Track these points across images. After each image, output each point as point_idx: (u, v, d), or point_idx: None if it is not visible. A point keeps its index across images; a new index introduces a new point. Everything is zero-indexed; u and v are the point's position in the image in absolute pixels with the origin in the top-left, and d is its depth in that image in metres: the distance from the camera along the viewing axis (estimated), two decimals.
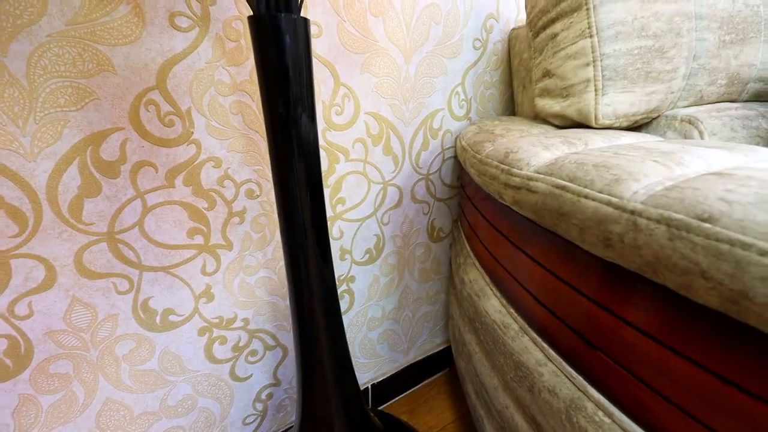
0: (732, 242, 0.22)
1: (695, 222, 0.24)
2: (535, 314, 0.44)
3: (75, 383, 0.54)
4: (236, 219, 0.60)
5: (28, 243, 0.47)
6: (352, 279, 0.76)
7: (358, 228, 0.73)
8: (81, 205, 0.49)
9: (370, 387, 0.87)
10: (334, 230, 0.71)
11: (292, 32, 0.38)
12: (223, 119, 0.55)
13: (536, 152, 0.43)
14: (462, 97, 0.78)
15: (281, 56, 0.39)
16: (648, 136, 0.49)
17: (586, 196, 0.32)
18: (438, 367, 0.99)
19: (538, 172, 0.40)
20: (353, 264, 0.75)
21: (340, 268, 0.74)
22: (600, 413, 0.34)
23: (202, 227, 0.57)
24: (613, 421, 0.32)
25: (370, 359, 0.86)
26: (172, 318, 0.58)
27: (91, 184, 0.49)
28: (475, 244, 0.64)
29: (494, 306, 0.53)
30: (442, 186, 0.82)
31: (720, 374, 0.25)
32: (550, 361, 0.41)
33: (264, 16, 0.38)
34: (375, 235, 0.76)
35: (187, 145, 0.53)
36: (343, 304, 0.77)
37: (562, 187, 0.35)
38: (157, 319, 0.57)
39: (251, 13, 0.50)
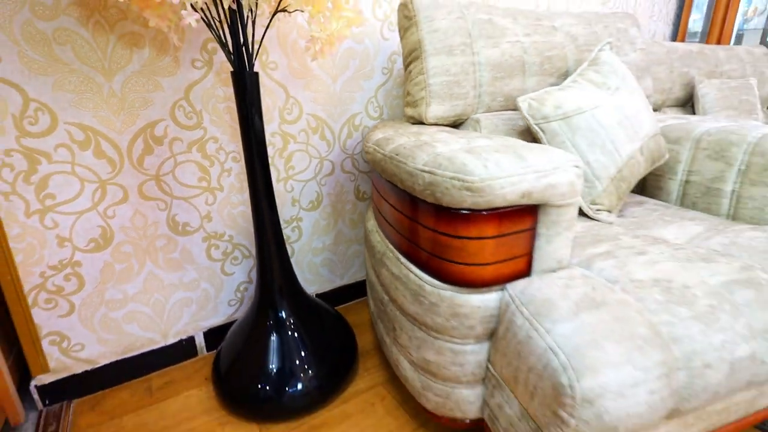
0: (429, 172, 0.65)
1: (435, 169, 0.67)
2: (387, 232, 0.87)
3: (133, 259, 0.97)
4: (226, 174, 1.04)
5: (116, 177, 0.91)
6: (301, 219, 1.19)
7: (304, 186, 1.17)
8: (143, 159, 0.93)
9: (314, 296, 1.30)
10: (288, 186, 1.14)
11: (250, 80, 0.82)
12: (219, 116, 0.99)
13: (394, 138, 0.87)
14: (376, 104, 1.22)
15: (244, 90, 0.82)
16: (450, 129, 0.92)
17: (405, 164, 0.75)
18: (365, 292, 1.42)
19: (392, 152, 0.83)
20: (301, 209, 1.18)
21: (291, 211, 1.17)
22: (390, 255, 0.77)
23: (206, 176, 1.01)
24: (395, 256, 0.76)
25: (315, 277, 1.29)
26: (188, 228, 1.02)
27: (148, 148, 0.93)
28: (374, 201, 1.07)
29: (377, 238, 0.96)
30: (363, 163, 1.25)
31: (420, 222, 0.68)
32: (389, 250, 0.84)
33: (237, 72, 0.81)
34: (315, 192, 1.19)
35: (199, 129, 0.97)
36: (294, 235, 1.20)
37: (391, 158, 0.78)
38: (179, 228, 1.01)
39: (232, 70, 0.94)
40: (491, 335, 0.66)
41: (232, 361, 0.94)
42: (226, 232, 1.08)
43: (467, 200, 0.57)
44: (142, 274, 1.00)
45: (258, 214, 0.90)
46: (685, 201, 1.04)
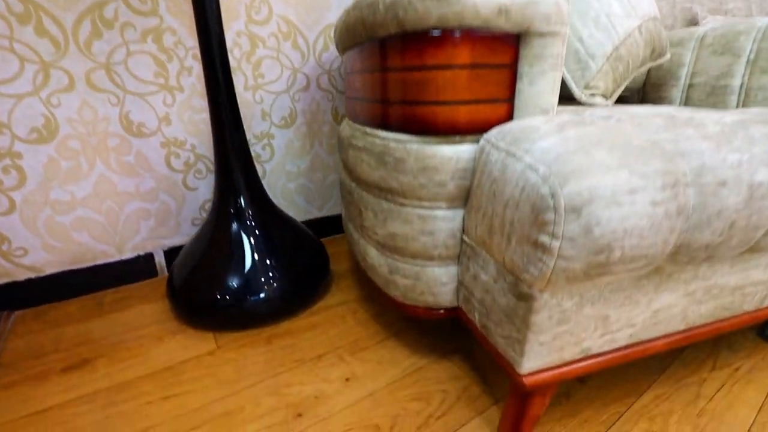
0: None
1: None
2: (356, 112, 0.78)
3: (81, 157, 0.88)
4: (186, 72, 0.94)
5: (60, 60, 0.82)
6: (272, 136, 1.10)
7: (275, 99, 1.08)
8: (90, 44, 0.84)
9: None
10: (257, 96, 1.05)
11: None
12: (178, 5, 0.90)
13: None
14: None
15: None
16: None
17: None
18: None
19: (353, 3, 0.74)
20: (272, 125, 1.09)
21: (262, 125, 1.08)
22: (357, 133, 0.67)
23: (163, 73, 0.92)
24: (362, 132, 0.66)
25: (290, 204, 1.20)
26: (143, 130, 0.93)
27: (97, 31, 0.84)
28: (346, 98, 0.98)
29: (346, 130, 0.86)
30: (341, 82, 1.16)
31: (388, 66, 0.59)
32: (356, 131, 0.75)
33: None
34: (288, 107, 1.10)
35: (154, 17, 0.88)
36: (266, 154, 1.11)
37: (353, 7, 0.69)
38: (134, 128, 0.92)
39: None
40: (465, 200, 0.57)
41: (189, 271, 0.85)
42: (188, 140, 0.99)
43: (433, 14, 0.48)
44: (92, 175, 0.91)
45: (218, 129, 0.81)
46: (688, 105, 0.95)
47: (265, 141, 1.10)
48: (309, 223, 1.25)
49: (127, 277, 1.00)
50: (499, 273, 0.50)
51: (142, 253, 1.00)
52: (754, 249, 0.52)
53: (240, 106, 1.04)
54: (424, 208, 0.58)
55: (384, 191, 0.62)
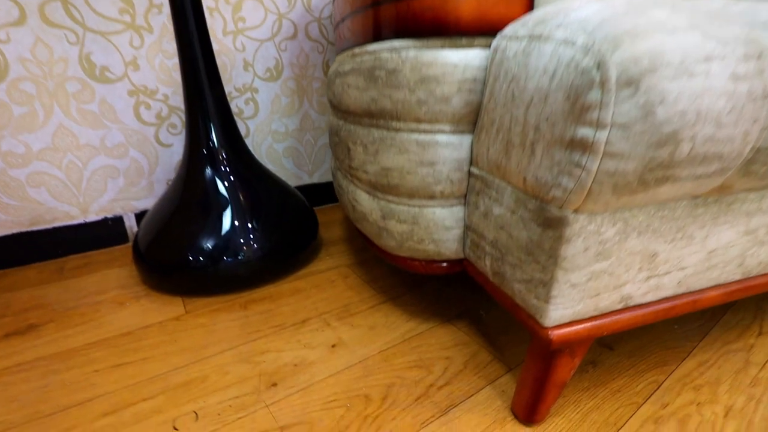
0: None
1: None
2: (345, 33, 0.67)
3: (37, 103, 0.78)
4: (156, 10, 0.84)
5: None
6: (256, 90, 1.00)
7: (259, 47, 0.97)
8: None
9: None
10: (237, 42, 0.94)
11: None
12: None
13: None
14: None
15: None
16: None
17: None
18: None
19: None
20: (256, 77, 0.99)
21: (244, 77, 0.97)
22: (346, 57, 0.57)
23: (129, 9, 0.81)
24: (350, 52, 0.55)
25: (277, 168, 1.09)
26: (108, 75, 0.83)
27: None
28: (336, 39, 0.87)
29: (333, 66, 0.76)
30: (333, 33, 1.05)
31: None
32: (345, 55, 0.64)
33: None
34: (274, 57, 1.00)
35: None
36: (249, 110, 1.01)
37: None
38: (96, 71, 0.81)
39: None
40: (474, 124, 0.47)
41: (158, 230, 0.75)
42: (160, 89, 0.89)
43: None
44: (49, 125, 0.80)
45: (186, 54, 0.70)
46: None
47: (248, 95, 1.00)
48: (299, 189, 1.14)
49: (94, 241, 0.90)
50: (518, 201, 0.40)
51: (110, 215, 0.90)
52: None
53: (219, 53, 0.93)
54: (423, 133, 0.48)
55: (375, 117, 0.51)
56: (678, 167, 0.30)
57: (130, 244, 0.93)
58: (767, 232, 0.45)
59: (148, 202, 0.94)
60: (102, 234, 0.90)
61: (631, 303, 0.42)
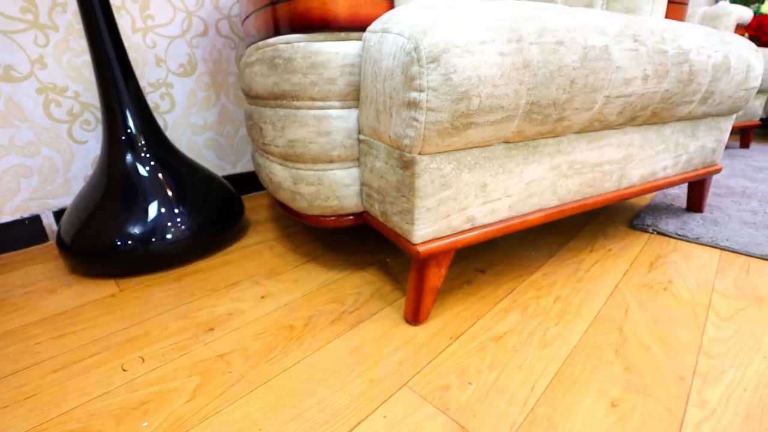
0: None
1: None
2: (251, 30, 0.76)
3: None
4: (60, 9, 0.86)
5: None
6: (171, 85, 1.04)
7: (170, 44, 1.02)
8: None
9: None
10: (148, 39, 0.98)
11: None
12: None
13: None
14: None
15: None
16: None
17: None
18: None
19: None
20: (170, 73, 1.03)
21: (157, 72, 1.02)
22: (252, 50, 0.66)
23: (31, 8, 0.83)
24: (254, 47, 0.65)
25: (199, 160, 1.15)
26: (13, 73, 0.83)
27: None
28: (243, 27, 0.95)
29: (243, 58, 0.84)
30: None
31: None
32: (252, 49, 0.72)
33: None
34: (186, 54, 1.05)
35: None
36: (165, 104, 1.05)
37: None
38: (0, 70, 0.82)
39: None
40: (358, 100, 0.59)
41: (82, 221, 0.78)
42: (70, 86, 0.90)
43: None
44: None
45: (98, 52, 0.74)
46: None
47: (163, 90, 1.04)
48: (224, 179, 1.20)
49: (12, 242, 0.89)
50: (389, 154, 0.53)
51: (26, 215, 0.90)
52: (602, 122, 0.60)
53: (129, 50, 0.96)
54: (318, 109, 0.59)
55: (279, 98, 0.62)
56: (475, 116, 0.45)
57: (50, 242, 0.94)
58: (569, 167, 0.63)
59: (67, 200, 0.95)
60: (19, 234, 0.90)
61: (477, 224, 0.57)
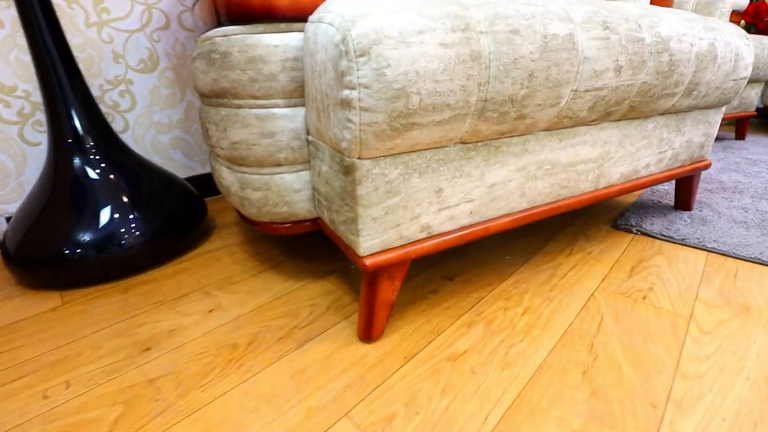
0: None
1: None
2: (199, 23, 0.70)
3: None
4: (4, 3, 0.80)
5: None
6: (131, 82, 0.99)
7: (128, 38, 0.96)
8: None
9: None
10: (103, 34, 0.93)
11: None
12: None
13: None
14: None
15: None
16: None
17: None
18: None
19: None
20: (129, 69, 0.98)
21: (115, 69, 0.96)
22: (198, 51, 0.60)
23: None
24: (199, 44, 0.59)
25: (166, 160, 1.09)
26: None
27: None
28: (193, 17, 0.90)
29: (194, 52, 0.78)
30: None
31: None
32: (197, 44, 0.67)
33: None
34: (147, 48, 0.99)
35: None
36: (125, 102, 1.00)
37: None
38: None
39: None
40: (303, 95, 0.54)
41: (27, 229, 0.73)
42: (19, 85, 0.85)
43: None
44: None
45: (36, 49, 0.68)
46: None
47: (123, 87, 0.98)
48: (192, 180, 1.15)
49: None
50: (332, 158, 0.48)
51: None
52: (572, 119, 0.55)
53: (83, 46, 0.91)
54: (260, 108, 0.54)
55: (219, 96, 0.57)
56: (416, 115, 0.40)
57: None
58: (538, 168, 0.58)
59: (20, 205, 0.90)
60: None
61: (434, 232, 0.52)
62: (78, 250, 0.71)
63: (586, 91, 0.51)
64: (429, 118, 0.40)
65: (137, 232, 0.77)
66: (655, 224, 0.86)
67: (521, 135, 0.54)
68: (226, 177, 0.64)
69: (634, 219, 0.89)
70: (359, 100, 0.38)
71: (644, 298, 0.62)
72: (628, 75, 0.55)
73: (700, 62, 0.65)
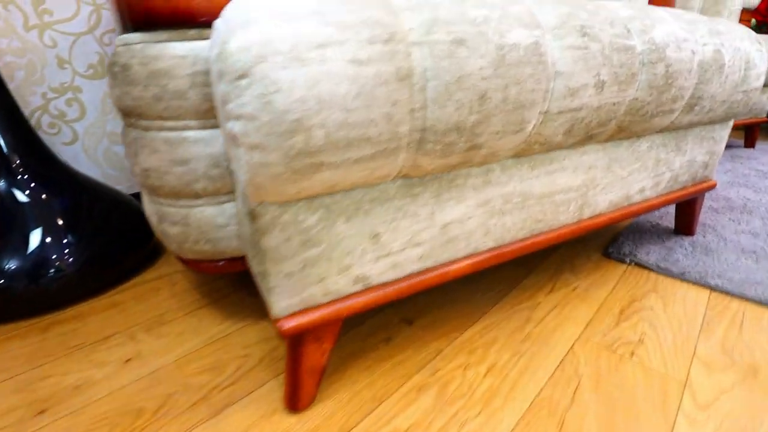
0: None
1: None
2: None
3: None
4: None
5: None
6: (79, 89, 0.91)
7: (75, 42, 0.88)
8: None
9: None
10: (46, 38, 0.85)
11: None
12: None
13: None
14: None
15: None
16: None
17: None
18: None
19: None
20: (76, 75, 0.90)
21: (60, 75, 0.88)
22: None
23: None
24: None
25: (120, 172, 1.01)
26: None
27: None
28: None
29: None
30: None
31: None
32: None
33: None
34: (96, 53, 0.91)
35: None
36: (73, 112, 0.91)
37: None
38: None
39: None
40: None
41: None
42: None
43: None
44: None
45: None
46: None
47: (70, 95, 0.90)
48: None
49: None
50: (243, 197, 0.40)
51: None
52: (544, 145, 0.46)
53: (23, 50, 0.83)
54: (169, 130, 0.45)
55: (126, 115, 0.48)
56: (324, 154, 0.31)
57: None
58: (505, 201, 0.49)
59: None
60: None
61: (372, 283, 0.43)
62: (1, 281, 0.63)
63: (560, 113, 0.42)
64: (342, 156, 0.31)
65: (71, 259, 0.68)
66: (651, 253, 0.77)
67: (481, 165, 0.45)
68: (147, 206, 0.55)
69: (627, 246, 0.79)
70: (245, 135, 0.29)
71: (632, 354, 0.53)
72: (613, 92, 0.45)
73: (703, 73, 0.56)
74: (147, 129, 0.47)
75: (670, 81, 0.51)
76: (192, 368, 0.53)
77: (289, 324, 0.39)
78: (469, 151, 0.38)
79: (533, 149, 0.46)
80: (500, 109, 0.36)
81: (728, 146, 1.73)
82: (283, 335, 0.39)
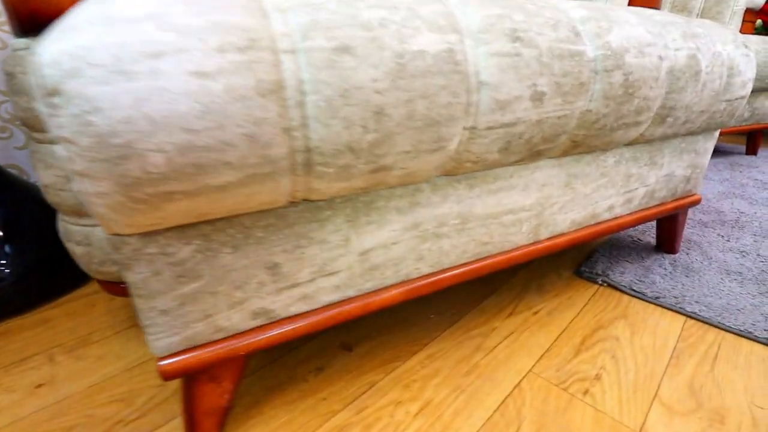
0: None
1: None
2: None
3: None
4: None
5: None
6: None
7: None
8: None
9: None
10: None
11: None
12: None
13: None
14: None
15: None
16: None
17: None
18: None
19: None
20: None
21: None
22: None
23: None
24: None
25: None
26: None
27: None
28: None
29: None
30: None
31: None
32: None
33: None
34: None
35: None
36: None
37: None
38: None
39: None
40: None
41: None
42: None
43: None
44: None
45: None
46: None
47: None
48: None
49: None
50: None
51: None
52: (477, 164, 0.40)
53: None
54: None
55: (24, 126, 0.44)
56: (170, 181, 0.26)
57: None
58: (439, 224, 0.44)
59: None
60: None
61: (278, 316, 0.39)
62: None
63: (489, 128, 0.37)
64: (198, 184, 0.27)
65: (7, 270, 0.65)
66: (626, 273, 0.71)
67: (405, 186, 0.40)
68: (59, 222, 0.51)
69: (602, 264, 0.73)
70: (70, 161, 0.24)
71: (585, 392, 0.48)
72: (556, 104, 0.40)
73: (675, 81, 0.50)
74: (40, 142, 0.42)
75: (631, 91, 0.45)
76: (102, 397, 0.49)
77: (170, 364, 0.35)
78: (376, 173, 0.33)
79: (465, 167, 0.40)
80: (405, 126, 0.31)
81: (729, 153, 1.65)
82: (163, 376, 0.34)
